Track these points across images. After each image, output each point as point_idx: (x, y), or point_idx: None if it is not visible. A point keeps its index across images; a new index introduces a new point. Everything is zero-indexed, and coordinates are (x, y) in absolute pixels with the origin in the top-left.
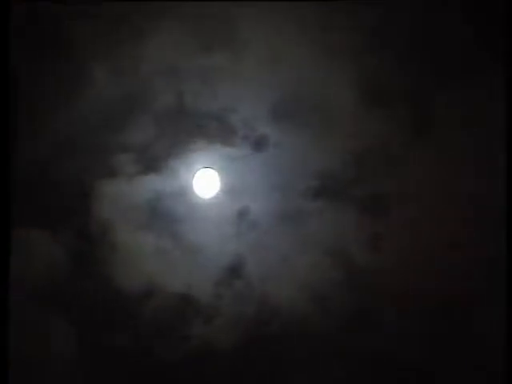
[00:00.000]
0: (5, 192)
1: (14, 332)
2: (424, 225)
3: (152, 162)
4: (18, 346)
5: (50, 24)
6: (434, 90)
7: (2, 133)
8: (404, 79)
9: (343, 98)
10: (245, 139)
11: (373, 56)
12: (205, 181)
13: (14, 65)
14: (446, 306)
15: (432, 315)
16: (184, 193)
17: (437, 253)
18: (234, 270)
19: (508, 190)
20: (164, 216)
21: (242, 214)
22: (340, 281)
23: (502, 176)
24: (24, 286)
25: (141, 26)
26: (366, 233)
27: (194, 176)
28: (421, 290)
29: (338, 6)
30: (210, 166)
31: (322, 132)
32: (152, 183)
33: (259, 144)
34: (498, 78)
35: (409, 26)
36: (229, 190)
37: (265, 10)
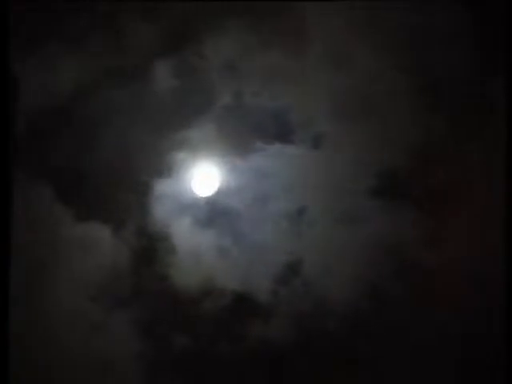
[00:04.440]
0: (5, 192)
1: (76, 329)
2: (481, 223)
3: (210, 161)
4: (80, 343)
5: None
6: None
7: (4, 129)
8: (461, 77)
9: (402, 97)
10: (303, 138)
11: (432, 55)
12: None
13: (14, 65)
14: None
15: (492, 312)
16: (242, 191)
17: (494, 252)
18: (292, 268)
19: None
20: (222, 214)
21: (301, 213)
22: (398, 279)
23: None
24: (86, 282)
25: (201, 25)
26: (423, 231)
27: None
28: (477, 289)
29: (393, 5)
30: (269, 164)
31: (380, 131)
32: (210, 181)
33: (318, 142)
34: (497, 77)
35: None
36: (287, 189)
37: (324, 9)
